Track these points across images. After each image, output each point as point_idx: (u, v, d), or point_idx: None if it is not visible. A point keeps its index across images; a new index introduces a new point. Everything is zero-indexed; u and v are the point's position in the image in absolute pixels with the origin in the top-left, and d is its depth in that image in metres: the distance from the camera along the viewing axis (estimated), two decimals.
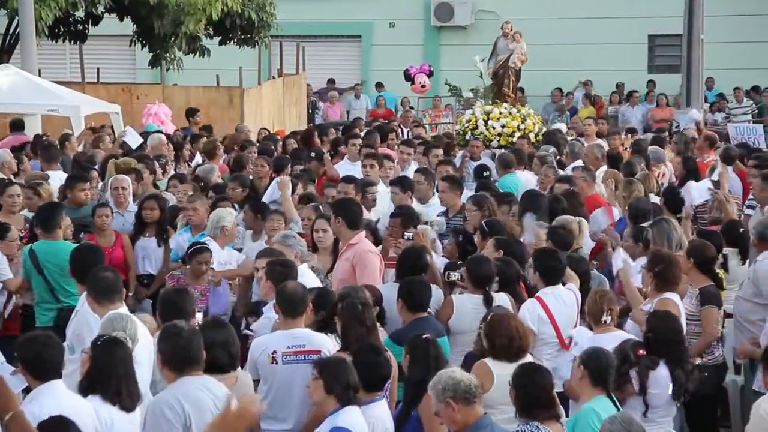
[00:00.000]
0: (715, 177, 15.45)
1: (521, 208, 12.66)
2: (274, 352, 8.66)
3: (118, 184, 14.01)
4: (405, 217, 11.83)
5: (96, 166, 16.02)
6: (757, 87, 32.01)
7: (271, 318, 9.29)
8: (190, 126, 22.45)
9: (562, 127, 22.01)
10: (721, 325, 10.66)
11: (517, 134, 20.69)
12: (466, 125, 21.37)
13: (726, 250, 11.58)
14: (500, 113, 21.19)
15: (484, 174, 16.44)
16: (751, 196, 14.75)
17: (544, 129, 21.56)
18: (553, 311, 9.81)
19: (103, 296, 8.70)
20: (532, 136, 20.74)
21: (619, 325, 9.73)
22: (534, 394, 7.54)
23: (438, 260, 11.28)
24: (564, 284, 10.16)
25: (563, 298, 10.01)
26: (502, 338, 8.60)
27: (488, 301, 9.94)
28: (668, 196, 13.86)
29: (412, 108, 29.29)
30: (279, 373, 8.64)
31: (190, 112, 23.14)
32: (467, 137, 20.76)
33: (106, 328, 7.99)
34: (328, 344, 8.83)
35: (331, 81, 34.59)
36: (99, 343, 7.43)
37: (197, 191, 14.17)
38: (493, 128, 20.99)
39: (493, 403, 8.19)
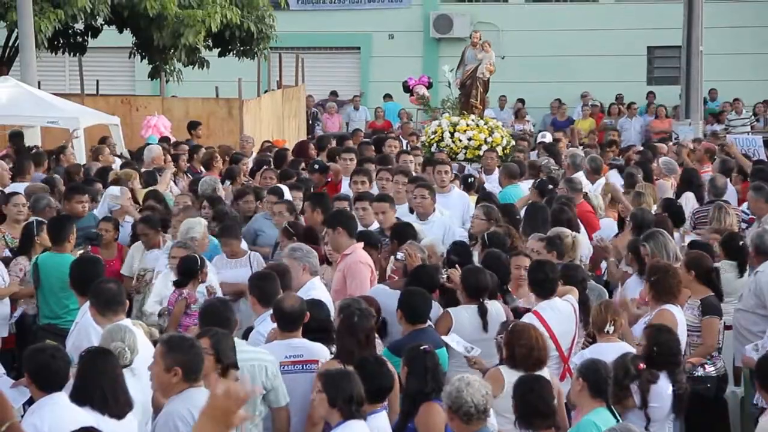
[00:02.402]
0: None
1: (524, 220, 12.70)
2: None
3: (128, 194, 14.20)
4: (399, 236, 11.78)
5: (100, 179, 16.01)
6: None
7: (262, 332, 9.27)
8: (192, 139, 22.39)
9: (548, 136, 21.58)
10: (721, 337, 10.66)
11: (484, 147, 19.89)
12: (432, 137, 20.71)
13: (721, 263, 11.58)
14: (467, 125, 20.51)
15: None
16: (743, 208, 14.80)
17: (513, 142, 20.81)
18: (551, 325, 9.78)
19: (107, 308, 8.69)
20: (499, 149, 19.98)
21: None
22: (534, 404, 7.54)
23: None
24: (562, 296, 10.17)
25: (560, 310, 9.99)
26: (522, 348, 8.60)
27: (483, 311, 9.95)
28: (669, 208, 13.86)
29: (411, 120, 29.29)
30: None
31: (192, 125, 23.08)
32: (432, 149, 20.18)
33: (105, 341, 7.99)
34: (326, 353, 8.86)
35: (333, 93, 34.61)
36: (83, 354, 7.43)
37: (195, 203, 14.21)
38: (460, 141, 20.35)
39: (500, 411, 8.20)
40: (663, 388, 8.80)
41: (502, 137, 20.51)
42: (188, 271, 11.29)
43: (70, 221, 11.88)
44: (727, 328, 11.15)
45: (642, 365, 8.73)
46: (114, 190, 14.70)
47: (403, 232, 11.67)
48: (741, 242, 11.93)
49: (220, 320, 8.58)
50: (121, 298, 8.86)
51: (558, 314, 9.90)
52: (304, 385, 8.65)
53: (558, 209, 12.95)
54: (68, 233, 11.50)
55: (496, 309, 10.07)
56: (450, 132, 20.42)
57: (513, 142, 20.78)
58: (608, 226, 14.06)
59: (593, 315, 9.54)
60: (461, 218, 14.48)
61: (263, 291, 9.46)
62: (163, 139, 21.46)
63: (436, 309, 10.32)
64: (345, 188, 15.59)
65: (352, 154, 17.23)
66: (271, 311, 9.16)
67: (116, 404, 7.25)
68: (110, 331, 8.12)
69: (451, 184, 15.24)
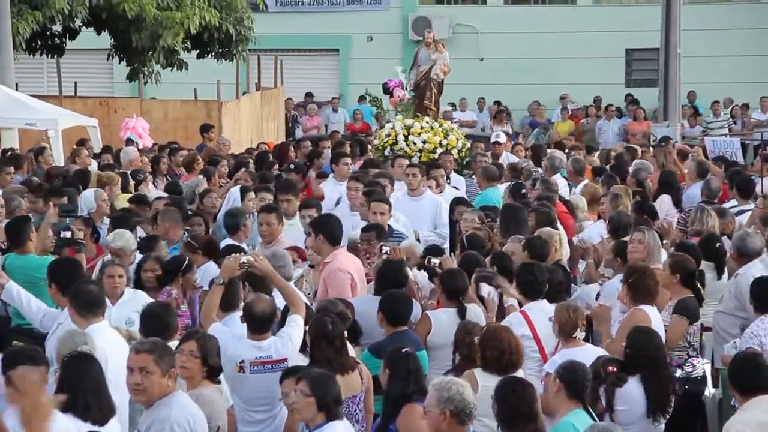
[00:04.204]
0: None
1: (501, 221, 12.72)
2: (242, 361, 8.84)
3: (103, 197, 14.14)
4: (379, 231, 11.82)
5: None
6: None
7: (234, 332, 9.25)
8: (205, 141, 22.23)
9: (502, 136, 21.08)
10: (699, 339, 10.68)
11: (440, 150, 19.20)
12: (386, 140, 19.88)
13: (702, 264, 11.59)
14: (421, 128, 19.71)
15: None
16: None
17: (468, 144, 20.16)
18: (537, 326, 9.77)
19: (87, 310, 8.65)
20: (455, 152, 19.34)
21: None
22: (516, 406, 7.48)
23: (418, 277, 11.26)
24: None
25: (547, 313, 9.89)
26: (493, 351, 8.61)
27: (462, 313, 9.96)
28: (641, 210, 13.88)
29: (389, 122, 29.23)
30: (247, 381, 8.86)
31: (205, 128, 22.89)
32: (386, 153, 19.51)
33: (65, 346, 7.94)
34: (292, 349, 8.97)
35: (309, 95, 34.59)
36: (66, 359, 7.40)
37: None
38: (414, 144, 19.53)
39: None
40: (632, 392, 8.77)
41: (458, 140, 19.94)
42: (171, 269, 11.17)
43: (27, 222, 11.72)
44: (707, 329, 11.17)
45: (611, 368, 8.71)
46: (88, 193, 14.63)
47: (381, 230, 11.72)
48: (718, 244, 11.96)
49: (161, 325, 8.61)
50: (101, 300, 8.82)
51: (545, 316, 9.85)
52: (274, 383, 8.74)
53: (544, 211, 12.95)
54: (27, 234, 11.34)
55: (476, 312, 10.07)
56: (404, 135, 19.79)
57: (468, 145, 20.23)
58: (594, 227, 14.03)
59: (561, 319, 9.30)
60: (432, 222, 14.39)
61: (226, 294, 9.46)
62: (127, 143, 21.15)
63: (417, 311, 10.37)
64: (328, 192, 15.68)
65: (348, 158, 17.16)
66: (233, 315, 9.28)
67: (99, 411, 7.22)
68: (72, 336, 8.08)
69: (423, 187, 15.00)
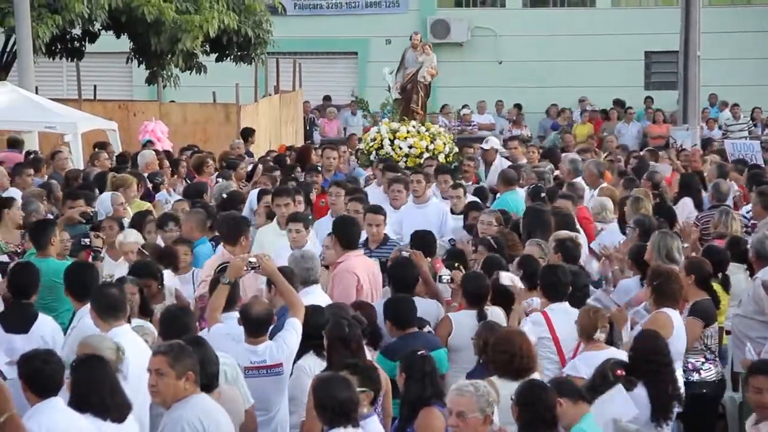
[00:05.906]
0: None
1: (524, 224, 12.68)
2: (238, 365, 8.80)
3: (120, 200, 14.16)
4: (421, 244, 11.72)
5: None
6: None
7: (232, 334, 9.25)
8: (248, 146, 22.24)
9: (493, 142, 20.65)
10: (719, 342, 10.63)
11: (426, 155, 18.79)
12: (371, 144, 19.40)
13: (731, 266, 11.54)
14: (407, 132, 19.22)
15: None
16: (743, 212, 14.82)
17: (456, 149, 19.67)
18: (557, 328, 9.73)
19: (108, 313, 8.61)
20: (441, 157, 18.88)
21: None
22: (539, 412, 7.46)
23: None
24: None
25: (570, 315, 9.80)
26: (504, 354, 8.53)
27: (482, 317, 9.93)
28: (660, 212, 13.85)
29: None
30: None
31: (249, 132, 22.85)
32: (372, 157, 19.12)
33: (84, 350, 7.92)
34: (288, 354, 8.96)
35: (327, 98, 34.61)
36: (75, 364, 7.39)
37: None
38: (400, 148, 19.06)
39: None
40: (641, 396, 8.70)
41: (445, 144, 19.44)
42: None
43: (51, 225, 11.73)
44: (727, 332, 11.13)
45: (620, 371, 8.64)
46: (105, 197, 14.66)
47: (425, 241, 11.67)
48: (747, 245, 11.92)
49: (180, 327, 8.57)
50: (123, 304, 8.78)
51: (566, 318, 9.76)
52: (269, 388, 8.88)
53: (566, 214, 12.93)
54: (50, 237, 11.34)
55: (497, 315, 10.04)
56: (390, 139, 19.28)
57: (456, 149, 19.70)
58: (609, 232, 14.00)
59: (582, 321, 9.33)
60: (438, 230, 14.29)
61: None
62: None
63: (437, 310, 10.42)
64: None
65: (335, 152, 17.05)
66: (232, 313, 9.26)
67: (117, 409, 7.26)
68: (98, 339, 8.07)
69: (428, 193, 14.86)
